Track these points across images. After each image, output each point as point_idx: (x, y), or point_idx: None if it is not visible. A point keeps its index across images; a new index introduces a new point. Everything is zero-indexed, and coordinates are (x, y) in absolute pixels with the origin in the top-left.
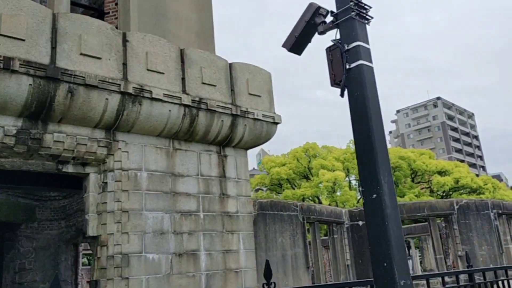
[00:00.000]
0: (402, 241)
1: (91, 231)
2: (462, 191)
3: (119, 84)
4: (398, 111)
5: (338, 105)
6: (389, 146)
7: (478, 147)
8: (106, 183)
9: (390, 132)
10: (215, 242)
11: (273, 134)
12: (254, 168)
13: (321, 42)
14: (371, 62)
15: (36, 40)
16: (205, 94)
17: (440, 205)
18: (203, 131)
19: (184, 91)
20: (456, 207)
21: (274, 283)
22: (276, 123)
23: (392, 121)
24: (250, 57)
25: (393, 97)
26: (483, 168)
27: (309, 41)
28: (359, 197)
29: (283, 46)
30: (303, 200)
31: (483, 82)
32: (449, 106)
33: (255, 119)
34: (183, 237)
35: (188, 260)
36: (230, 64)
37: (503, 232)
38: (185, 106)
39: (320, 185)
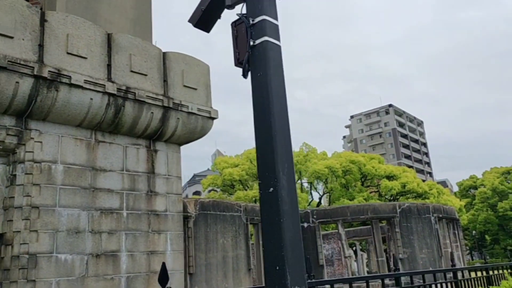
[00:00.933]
0: (299, 242)
1: None
2: (409, 195)
3: (33, 67)
4: (352, 117)
5: (294, 109)
6: (342, 150)
7: (426, 154)
8: (15, 175)
9: (344, 136)
10: (138, 243)
11: (209, 129)
12: (208, 169)
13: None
14: (278, 40)
15: None
16: (133, 83)
17: (383, 208)
18: (130, 123)
19: (109, 79)
20: (398, 210)
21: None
22: (213, 118)
23: (346, 126)
24: (209, 54)
25: (349, 103)
26: (430, 174)
27: (218, 16)
28: (310, 200)
29: (189, 21)
30: (255, 201)
31: (434, 91)
32: (400, 113)
33: (189, 112)
34: (102, 237)
35: (106, 262)
36: (164, 53)
37: (442, 236)
38: (110, 95)
39: None
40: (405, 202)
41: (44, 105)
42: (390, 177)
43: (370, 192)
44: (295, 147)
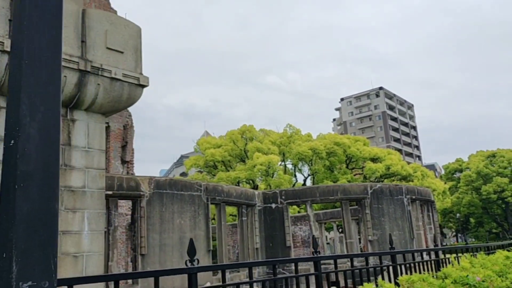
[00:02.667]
0: (50, 219)
1: None
2: (393, 178)
3: None
4: (342, 99)
5: (287, 91)
6: (332, 133)
7: (416, 137)
8: None
9: (334, 119)
10: None
11: (138, 98)
12: (196, 151)
13: (277, 27)
14: None
15: None
16: None
17: (354, 189)
18: None
19: (10, 35)
20: (370, 191)
21: (197, 259)
22: (143, 86)
23: (336, 109)
24: (201, 37)
25: (340, 85)
26: (419, 157)
27: None
28: (294, 182)
29: None
30: (238, 183)
31: (426, 75)
32: (390, 96)
33: (112, 78)
34: None
35: None
36: (84, 11)
37: (415, 218)
38: (9, 53)
39: (254, 168)
40: (376, 183)
41: None
42: (374, 159)
43: (355, 175)
44: (280, 128)
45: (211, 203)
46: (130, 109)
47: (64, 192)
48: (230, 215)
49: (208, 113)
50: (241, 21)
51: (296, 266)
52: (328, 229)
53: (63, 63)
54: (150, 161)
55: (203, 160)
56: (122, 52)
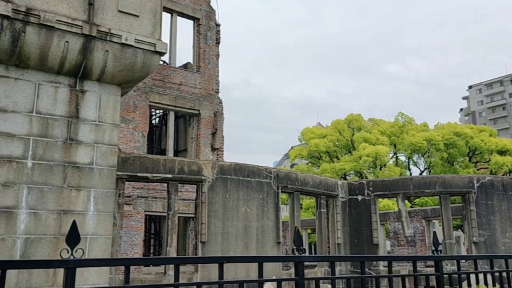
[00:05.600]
0: None
1: None
2: None
3: None
4: (470, 87)
5: (411, 80)
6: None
7: None
8: None
9: (461, 109)
10: (47, 199)
11: (155, 67)
12: (300, 141)
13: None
14: None
15: None
16: (41, 5)
17: (456, 181)
18: (37, 54)
19: None
20: (476, 184)
21: (304, 249)
22: (159, 53)
23: (464, 98)
24: (319, 28)
25: (470, 73)
26: None
27: None
28: (408, 175)
29: None
30: (345, 175)
31: None
32: None
33: (123, 44)
34: None
35: None
36: None
37: None
38: (3, 17)
39: (360, 159)
40: (486, 175)
41: None
42: (503, 152)
43: (479, 169)
44: (391, 117)
45: (283, 192)
46: (230, 98)
47: (68, 169)
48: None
49: (324, 104)
50: (360, 10)
51: (389, 265)
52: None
53: (65, 27)
54: (265, 153)
55: (307, 150)
56: (136, 16)
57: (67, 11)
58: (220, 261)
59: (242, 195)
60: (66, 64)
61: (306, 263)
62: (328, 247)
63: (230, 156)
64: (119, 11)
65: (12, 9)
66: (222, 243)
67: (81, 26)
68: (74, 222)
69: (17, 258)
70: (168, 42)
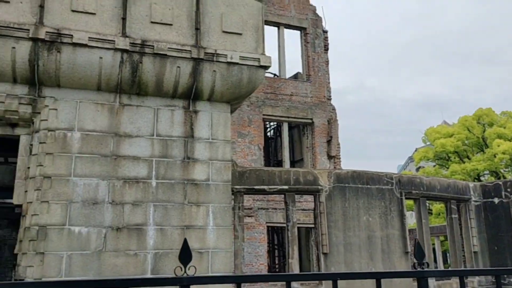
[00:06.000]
0: None
1: (16, 199)
2: None
3: (28, 30)
4: None
5: None
6: None
7: None
8: (32, 145)
9: None
10: (171, 216)
11: (260, 81)
12: (425, 142)
13: None
14: None
15: None
16: (153, 36)
17: None
18: (153, 81)
19: (124, 34)
20: None
21: (427, 263)
22: (264, 67)
23: None
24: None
25: None
26: None
27: None
28: None
29: None
30: (478, 176)
31: None
32: None
33: (229, 62)
34: (125, 208)
35: (129, 236)
36: None
37: None
38: (122, 51)
39: (494, 158)
40: None
41: (49, 69)
42: None
43: None
44: None
45: (407, 198)
46: (344, 103)
47: (188, 186)
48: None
49: (448, 101)
50: None
51: None
52: None
53: (175, 54)
54: (387, 158)
55: (433, 152)
56: (239, 34)
57: (176, 38)
58: (334, 278)
59: (362, 203)
60: (179, 88)
61: None
62: (463, 255)
63: (349, 163)
64: (223, 31)
65: (130, 43)
66: (345, 254)
67: (190, 51)
68: (185, 240)
69: (148, 272)
70: (276, 55)
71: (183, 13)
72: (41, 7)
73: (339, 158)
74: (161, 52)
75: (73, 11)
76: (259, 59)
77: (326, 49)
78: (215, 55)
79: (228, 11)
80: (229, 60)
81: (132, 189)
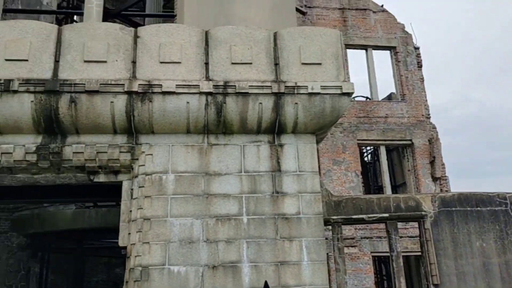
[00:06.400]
0: None
1: (121, 241)
2: None
3: (123, 84)
4: None
5: None
6: None
7: None
8: (132, 189)
9: None
10: (264, 252)
11: (344, 109)
12: None
13: None
14: None
15: (40, 57)
16: (235, 76)
17: None
18: (238, 119)
19: (207, 77)
20: None
21: None
22: (347, 94)
23: None
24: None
25: None
26: None
27: None
28: None
29: None
30: None
31: None
32: None
33: (310, 93)
34: (219, 246)
35: (225, 274)
36: (275, 34)
37: None
38: (207, 94)
39: None
40: None
41: (143, 118)
42: None
43: None
44: None
45: None
46: (448, 119)
47: (278, 220)
48: None
49: None
50: None
51: None
52: None
53: (257, 91)
54: (505, 174)
55: None
56: (319, 64)
57: (256, 76)
58: None
59: (473, 228)
60: (262, 123)
61: None
62: None
63: (460, 183)
64: (302, 63)
65: (213, 85)
66: (459, 284)
67: (270, 86)
68: (265, 282)
69: None
70: (366, 77)
71: (262, 51)
72: (134, 62)
73: (445, 179)
74: (243, 91)
75: (161, 62)
76: (341, 86)
77: (419, 66)
78: (296, 87)
79: (306, 43)
80: (310, 91)
81: (224, 227)
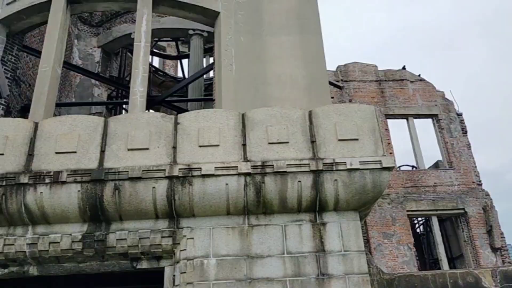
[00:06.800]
0: None
1: None
2: None
3: (164, 169)
4: None
5: None
6: None
7: None
8: (174, 276)
9: None
10: None
11: (386, 183)
12: None
13: None
14: None
15: (87, 148)
16: (272, 155)
17: None
18: (277, 198)
19: (245, 158)
20: None
21: None
22: (388, 169)
23: None
24: None
25: None
26: None
27: None
28: None
29: None
30: None
31: None
32: None
33: (349, 169)
34: None
35: None
36: (310, 112)
37: None
38: (245, 174)
39: None
40: None
41: (184, 201)
42: None
43: None
44: None
45: None
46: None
47: None
48: None
49: None
50: None
51: None
52: None
53: (295, 169)
54: None
55: None
56: (356, 140)
57: (294, 154)
58: None
59: None
60: (303, 202)
61: None
62: None
63: None
64: (339, 140)
65: (251, 166)
66: None
67: (308, 164)
68: None
69: None
70: (409, 146)
71: (298, 130)
72: (174, 148)
73: (507, 250)
74: (281, 170)
75: (200, 146)
76: (380, 161)
77: (464, 132)
78: (334, 164)
79: (341, 120)
80: (349, 167)
81: None
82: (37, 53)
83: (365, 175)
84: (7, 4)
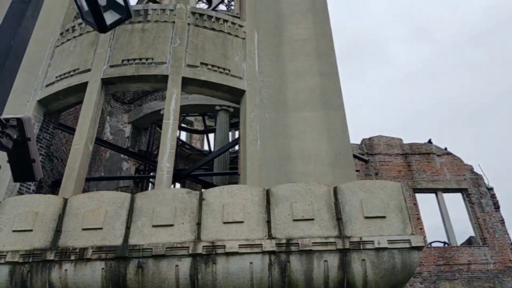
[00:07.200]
0: None
1: None
2: None
3: (188, 247)
4: None
5: None
6: None
7: None
8: None
9: None
10: None
11: (415, 265)
12: None
13: None
14: None
15: (113, 225)
16: (297, 233)
17: None
18: (303, 279)
19: (269, 235)
20: None
21: None
22: (417, 248)
23: None
24: None
25: None
26: None
27: None
28: None
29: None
30: None
31: None
32: None
33: (377, 249)
34: None
35: None
36: (335, 188)
37: None
38: (270, 253)
39: None
40: None
41: (207, 281)
42: None
43: None
44: None
45: None
46: None
47: None
48: None
49: None
50: None
51: None
52: None
53: (321, 248)
54: None
55: None
56: (383, 217)
57: (319, 232)
58: None
59: None
60: (330, 283)
61: None
62: None
63: None
64: (365, 217)
65: (276, 243)
66: None
67: (335, 242)
68: None
69: None
70: (439, 221)
71: (323, 206)
72: (198, 224)
73: None
74: (306, 248)
75: (224, 223)
76: (409, 240)
77: (496, 207)
78: (361, 243)
79: (367, 196)
80: (376, 246)
81: None
82: (71, 130)
83: (394, 254)
84: (46, 85)
